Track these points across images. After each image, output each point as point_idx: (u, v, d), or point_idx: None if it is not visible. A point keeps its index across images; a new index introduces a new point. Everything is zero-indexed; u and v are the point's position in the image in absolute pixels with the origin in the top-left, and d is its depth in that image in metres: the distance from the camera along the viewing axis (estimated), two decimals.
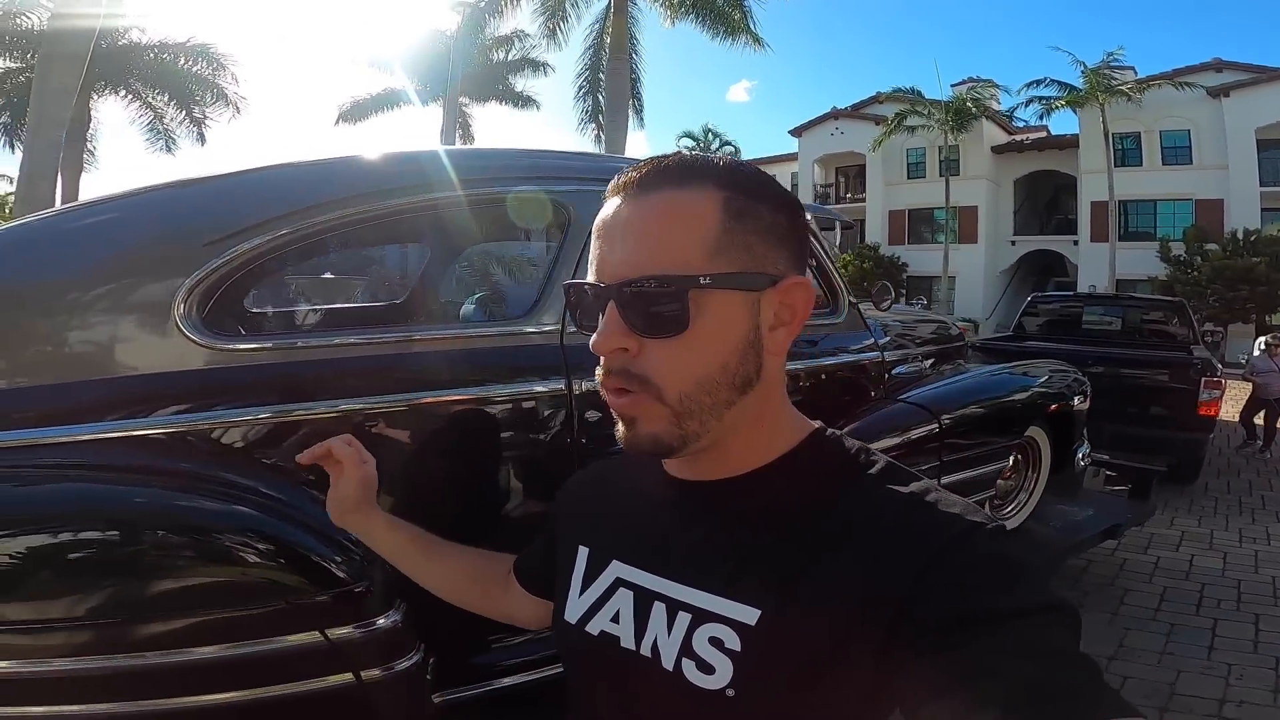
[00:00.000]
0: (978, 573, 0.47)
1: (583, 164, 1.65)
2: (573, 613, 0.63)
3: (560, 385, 1.43)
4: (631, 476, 0.66)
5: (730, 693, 0.50)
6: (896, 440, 1.99)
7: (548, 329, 1.46)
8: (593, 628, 0.60)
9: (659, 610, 0.56)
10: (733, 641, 0.51)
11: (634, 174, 0.55)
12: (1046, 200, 26.45)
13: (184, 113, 15.18)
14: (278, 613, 1.09)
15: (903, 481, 0.54)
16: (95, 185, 16.41)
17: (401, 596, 1.16)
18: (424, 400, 1.33)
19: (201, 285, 1.19)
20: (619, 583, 0.60)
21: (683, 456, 0.56)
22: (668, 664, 0.53)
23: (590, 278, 0.56)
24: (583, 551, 0.65)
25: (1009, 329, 8.09)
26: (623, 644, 0.57)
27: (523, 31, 15.71)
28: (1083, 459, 3.12)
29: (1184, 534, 4.33)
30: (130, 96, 15.10)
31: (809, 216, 1.90)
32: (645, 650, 0.55)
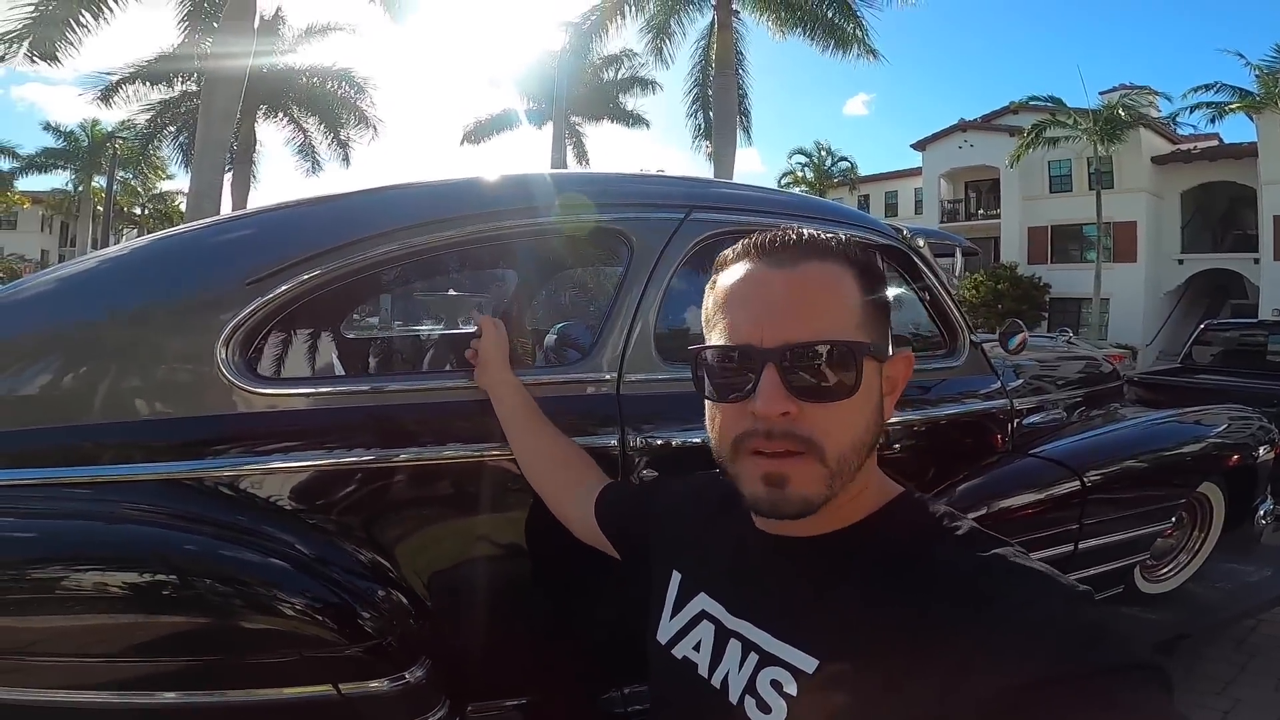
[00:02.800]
0: (1049, 636, 0.46)
1: (639, 188, 1.47)
2: (664, 634, 0.69)
3: (614, 441, 1.27)
4: (724, 508, 0.69)
5: None
6: (1025, 499, 1.68)
7: (605, 377, 1.30)
8: (678, 652, 0.66)
9: (734, 647, 0.60)
10: (790, 686, 0.54)
11: (774, 239, 0.60)
12: (1220, 214, 23.70)
13: (331, 134, 16.55)
14: (306, 662, 1.04)
15: (983, 546, 0.55)
16: (260, 202, 18.27)
17: (426, 653, 1.10)
18: (459, 456, 1.21)
19: (244, 326, 1.14)
20: (703, 614, 0.65)
21: (812, 513, 0.58)
22: (733, 698, 0.58)
23: (731, 341, 0.59)
24: (676, 576, 0.71)
25: (1175, 356, 7.13)
26: (699, 671, 0.62)
27: (631, 50, 15.96)
28: (1264, 516, 2.60)
29: None
30: (286, 119, 16.69)
31: (922, 242, 1.63)
32: (716, 682, 0.60)
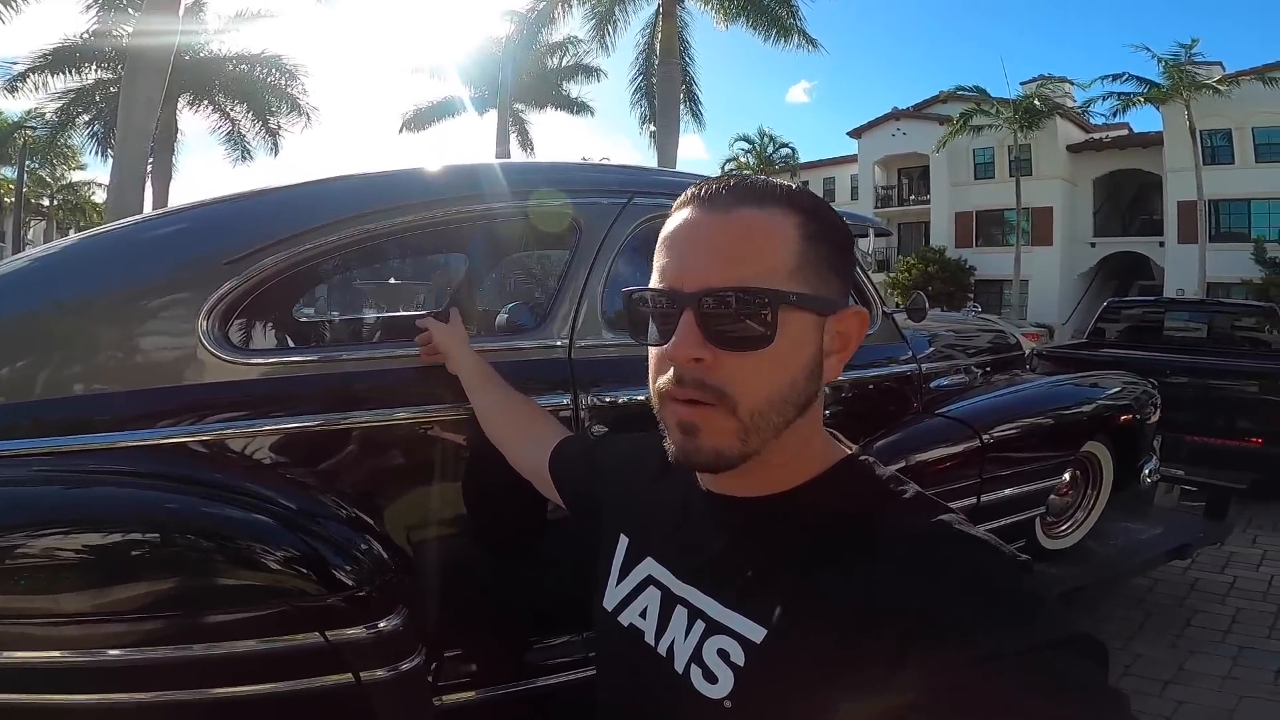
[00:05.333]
0: (993, 610, 0.46)
1: (588, 176, 1.63)
2: (610, 600, 0.66)
3: (566, 400, 1.41)
4: (667, 470, 0.67)
5: (728, 704, 0.52)
6: (931, 455, 1.90)
7: (556, 343, 1.44)
8: (624, 619, 0.64)
9: (680, 614, 0.58)
10: (738, 655, 0.52)
11: (709, 189, 0.57)
12: (1129, 200, 25.19)
13: (260, 123, 15.97)
14: (287, 613, 1.13)
15: (929, 512, 0.54)
16: (181, 194, 17.47)
17: (404, 602, 1.19)
18: (428, 415, 1.33)
19: (223, 302, 1.23)
20: (650, 580, 0.63)
21: (735, 469, 0.56)
22: (679, 666, 0.56)
23: (661, 284, 0.57)
24: (623, 541, 0.68)
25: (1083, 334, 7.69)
26: (646, 639, 0.60)
27: (575, 38, 15.91)
28: (1149, 475, 2.93)
29: (1266, 553, 4.00)
30: (211, 108, 16.01)
31: None
32: (662, 650, 0.58)
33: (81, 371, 1.23)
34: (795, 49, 12.56)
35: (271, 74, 15.24)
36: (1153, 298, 11.08)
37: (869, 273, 2.01)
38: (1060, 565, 2.45)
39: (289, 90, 15.49)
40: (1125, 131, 24.73)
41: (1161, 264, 22.53)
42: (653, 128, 13.76)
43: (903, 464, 1.81)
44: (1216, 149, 21.55)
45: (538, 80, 17.34)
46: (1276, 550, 4.05)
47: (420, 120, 18.94)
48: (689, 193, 0.59)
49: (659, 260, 0.58)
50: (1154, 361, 5.26)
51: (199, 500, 1.14)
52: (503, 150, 19.33)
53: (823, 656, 0.48)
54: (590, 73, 17.54)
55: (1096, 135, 25.35)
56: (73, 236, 1.43)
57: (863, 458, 0.61)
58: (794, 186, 0.59)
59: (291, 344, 1.68)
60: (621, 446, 0.83)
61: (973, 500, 1.98)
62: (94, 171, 27.68)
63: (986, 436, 1.99)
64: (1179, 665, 2.67)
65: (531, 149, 20.77)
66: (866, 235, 4.60)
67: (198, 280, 1.24)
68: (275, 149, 16.26)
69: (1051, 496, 2.41)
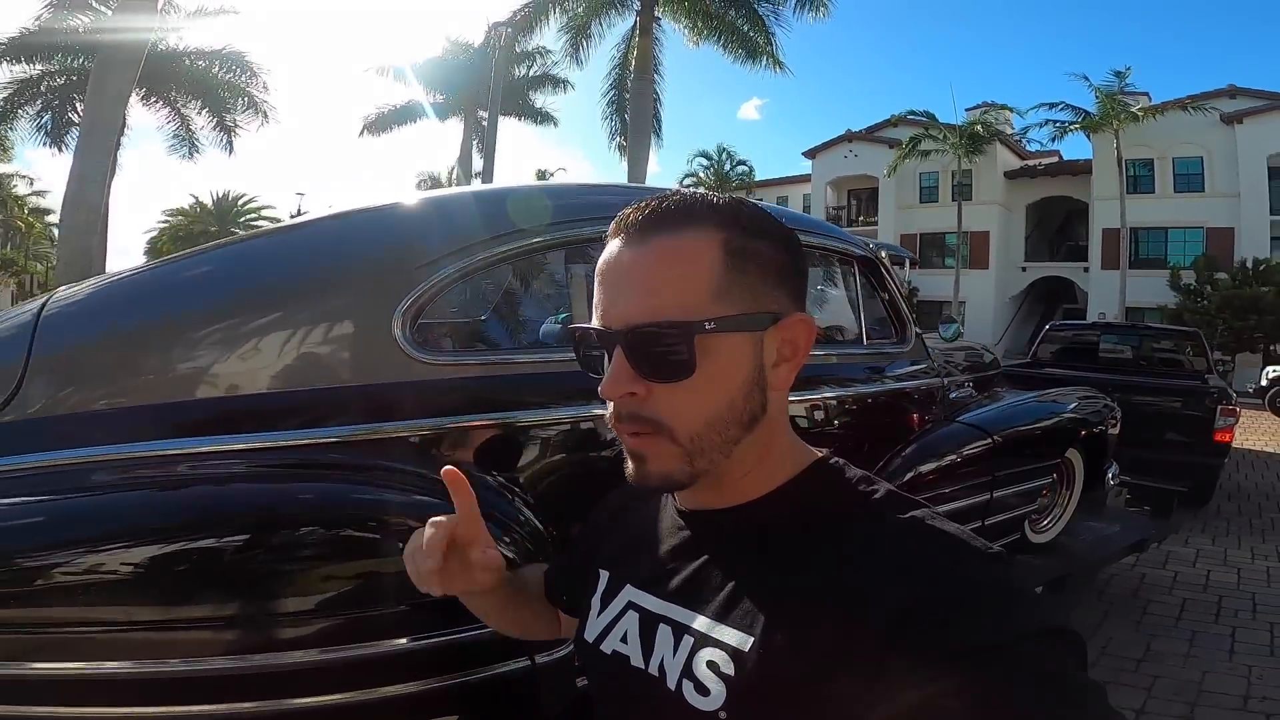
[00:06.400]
0: (971, 602, 0.47)
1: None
2: (591, 631, 0.65)
3: None
4: (646, 502, 0.68)
5: (722, 715, 0.51)
6: (955, 457, 2.19)
7: None
8: (606, 647, 0.63)
9: (664, 632, 0.58)
10: (727, 666, 0.52)
11: (633, 215, 0.56)
12: (1057, 226, 26.65)
13: (215, 120, 15.54)
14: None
15: (900, 509, 0.54)
16: (121, 189, 16.76)
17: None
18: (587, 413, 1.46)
19: (414, 305, 1.36)
20: (630, 605, 0.62)
21: (692, 486, 0.58)
22: (671, 684, 0.55)
23: (595, 322, 0.57)
24: (603, 575, 0.68)
25: (1017, 355, 8.25)
26: (632, 663, 0.59)
27: (544, 48, 16.04)
28: (1113, 479, 3.32)
29: (1199, 551, 4.51)
30: (162, 103, 15.49)
31: (884, 254, 2.09)
32: (653, 670, 0.57)
33: (277, 368, 1.32)
34: (761, 70, 12.91)
35: (231, 71, 14.86)
36: (1089, 321, 11.92)
37: (903, 295, 2.29)
38: (1043, 557, 2.79)
39: (248, 88, 15.13)
40: (1056, 159, 26.16)
41: (1085, 288, 23.97)
42: (622, 141, 13.98)
43: (937, 462, 2.09)
44: (1139, 178, 23.00)
45: (505, 89, 17.39)
46: (1207, 549, 4.58)
47: (381, 124, 18.72)
48: (614, 222, 0.58)
49: (595, 295, 0.58)
50: (1095, 380, 5.78)
51: (404, 491, 1.23)
52: (466, 155, 19.29)
53: (810, 659, 0.48)
54: (558, 83, 17.73)
55: (1031, 162, 26.76)
56: (259, 232, 1.53)
57: (832, 460, 0.61)
58: (719, 200, 0.57)
59: (471, 346, 1.79)
60: (608, 499, 0.79)
61: (986, 496, 2.28)
62: (18, 165, 26.17)
63: (998, 439, 2.30)
64: (1146, 646, 3.05)
65: (491, 156, 20.75)
66: (903, 265, 4.95)
67: (393, 283, 1.36)
68: (230, 147, 15.84)
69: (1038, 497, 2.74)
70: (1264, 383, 14.30)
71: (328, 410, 1.32)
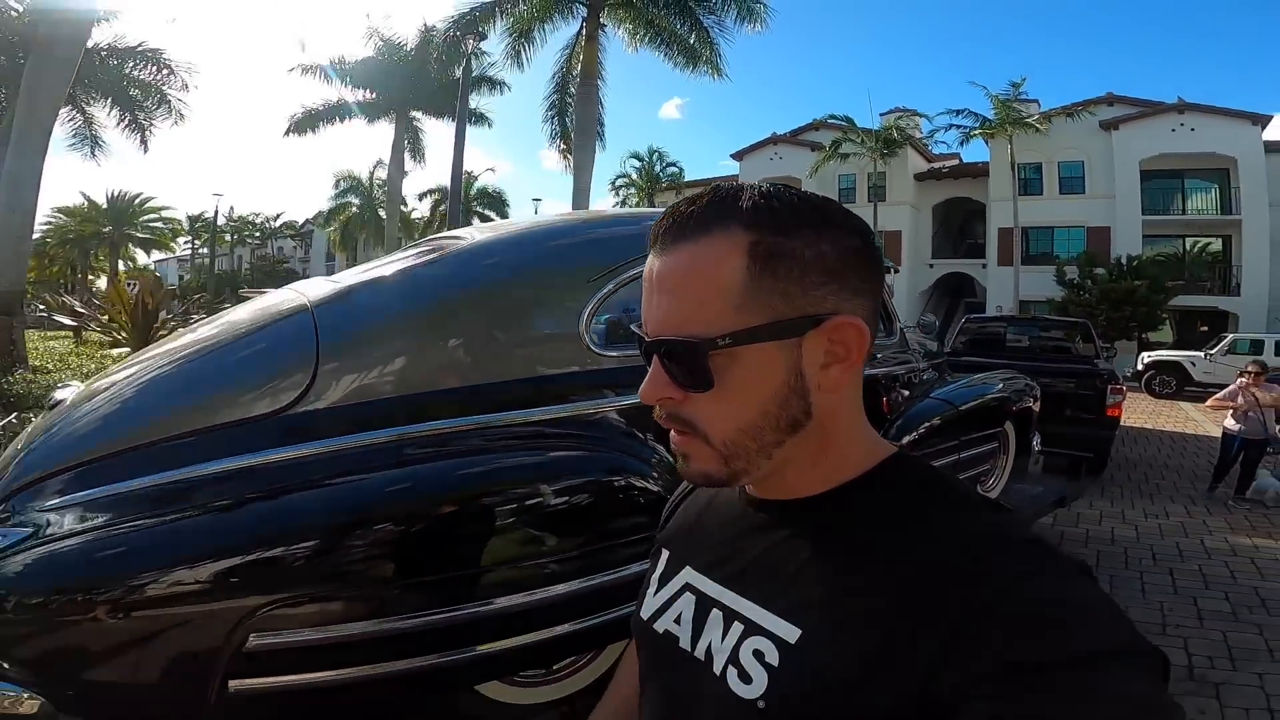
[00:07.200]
0: (1045, 614, 0.43)
1: None
2: (646, 609, 0.66)
3: None
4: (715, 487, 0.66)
5: (761, 704, 0.51)
6: (936, 423, 2.72)
7: None
8: (659, 626, 0.63)
9: (716, 617, 0.57)
10: (773, 656, 0.51)
11: (661, 224, 0.55)
12: (959, 225, 28.45)
13: (128, 118, 14.78)
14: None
15: (972, 513, 0.52)
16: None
17: None
18: None
19: (591, 308, 1.74)
20: (686, 587, 0.62)
21: (738, 485, 0.59)
22: (716, 669, 0.55)
23: (638, 330, 0.58)
24: (664, 554, 0.68)
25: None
26: (681, 644, 0.60)
27: (480, 49, 16.03)
28: (1037, 447, 4.00)
29: (1103, 512, 5.34)
30: (69, 104, 14.57)
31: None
32: (700, 653, 0.57)
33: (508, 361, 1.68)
34: (700, 75, 13.27)
35: (148, 69, 14.16)
36: (997, 315, 13.11)
37: (890, 294, 2.81)
38: None
39: (164, 86, 14.46)
40: (957, 162, 27.99)
41: (984, 283, 25.72)
42: (562, 145, 14.20)
43: (923, 429, 2.61)
44: (1029, 181, 24.84)
45: (439, 88, 17.27)
46: (1109, 510, 5.43)
47: (307, 123, 18.20)
48: (652, 227, 0.57)
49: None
50: (1009, 366, 6.59)
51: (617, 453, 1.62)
52: (398, 155, 18.98)
53: (856, 658, 0.47)
54: (495, 85, 17.73)
55: (937, 165, 28.48)
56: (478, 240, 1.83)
57: (908, 456, 0.59)
58: (750, 196, 0.53)
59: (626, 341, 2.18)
60: (675, 496, 0.78)
61: (956, 457, 2.83)
62: None
63: (962, 410, 2.85)
64: None
65: (422, 157, 20.52)
66: (889, 273, 5.54)
67: (578, 291, 1.73)
68: (145, 145, 15.06)
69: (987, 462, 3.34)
70: (1139, 367, 16.15)
71: (534, 395, 1.67)
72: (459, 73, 17.31)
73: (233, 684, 1.23)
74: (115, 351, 8.66)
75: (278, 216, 49.33)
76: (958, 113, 23.33)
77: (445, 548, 1.39)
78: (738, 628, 0.55)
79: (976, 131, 23.44)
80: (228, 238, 45.69)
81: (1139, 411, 11.83)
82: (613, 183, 31.71)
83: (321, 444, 1.39)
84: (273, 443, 1.37)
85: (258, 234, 49.72)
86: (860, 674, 0.46)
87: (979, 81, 28.31)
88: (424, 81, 16.99)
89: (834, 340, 0.53)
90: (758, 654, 0.52)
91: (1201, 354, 15.96)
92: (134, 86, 14.45)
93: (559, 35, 13.90)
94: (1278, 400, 5.95)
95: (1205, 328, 21.84)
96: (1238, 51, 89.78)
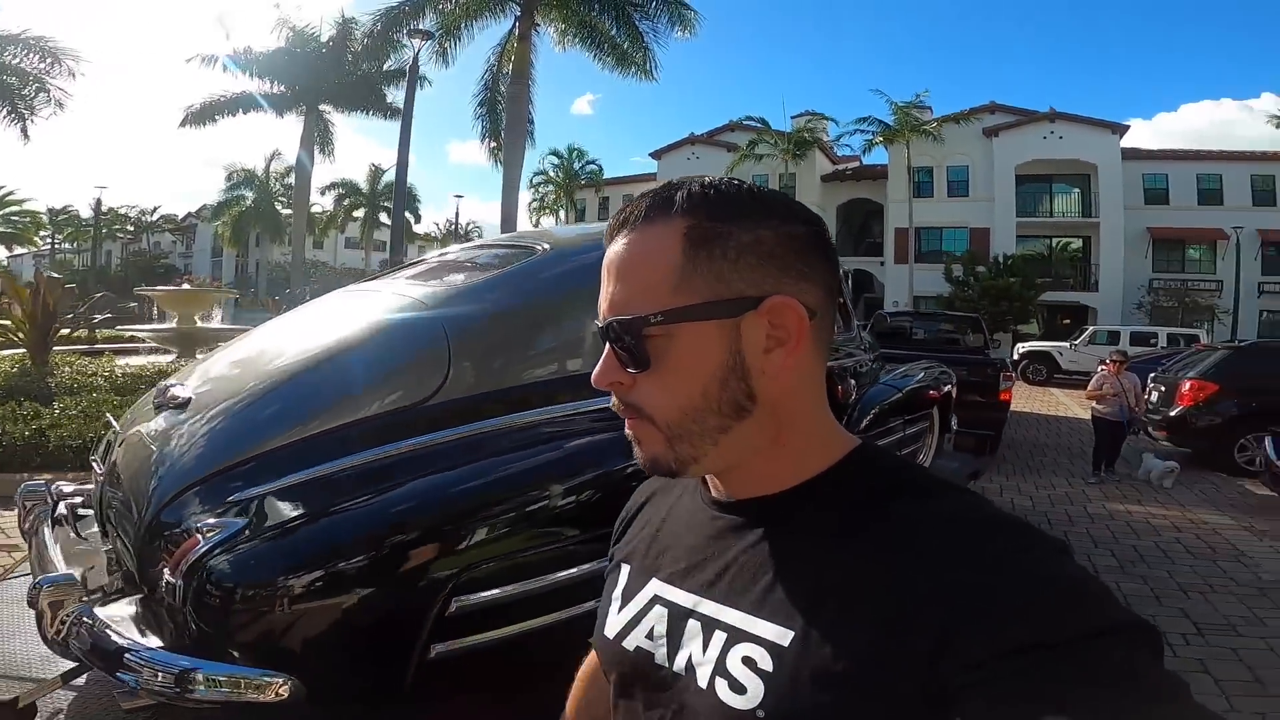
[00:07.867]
0: (1040, 593, 0.43)
1: None
2: (611, 628, 0.63)
3: None
4: (676, 494, 0.67)
5: (760, 714, 0.49)
6: (885, 406, 3.21)
7: None
8: (629, 643, 0.60)
9: (693, 627, 0.55)
10: (765, 662, 0.50)
11: (617, 215, 0.57)
12: (860, 225, 30.15)
13: (5, 108, 13.61)
14: None
15: (947, 498, 0.52)
16: None
17: None
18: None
19: None
20: (655, 600, 0.60)
21: (691, 475, 0.57)
22: (702, 682, 0.53)
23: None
24: (624, 569, 0.66)
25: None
26: (656, 660, 0.57)
27: (399, 42, 15.73)
28: (955, 426, 4.65)
29: (1001, 486, 6.14)
30: None
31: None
32: (679, 667, 0.55)
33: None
34: (630, 77, 13.52)
35: (30, 57, 13.09)
36: (904, 310, 14.28)
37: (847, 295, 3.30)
38: None
39: (45, 75, 13.41)
40: (858, 164, 29.63)
41: (882, 280, 27.47)
42: (493, 144, 14.15)
43: (876, 410, 3.10)
44: (922, 184, 26.78)
45: (352, 82, 16.75)
46: (1006, 484, 6.26)
47: (205, 115, 17.21)
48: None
49: None
50: (915, 356, 7.37)
51: None
52: (308, 149, 18.26)
53: (856, 653, 0.46)
54: (420, 80, 17.29)
55: (840, 167, 30.08)
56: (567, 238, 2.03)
57: (871, 447, 0.59)
58: (694, 188, 0.55)
59: None
60: (633, 496, 0.76)
61: (901, 434, 3.36)
62: None
63: (904, 394, 3.39)
64: None
65: (331, 150, 19.81)
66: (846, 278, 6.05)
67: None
68: (25, 135, 13.89)
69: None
70: (1016, 357, 17.94)
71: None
72: (385, 67, 16.98)
73: (435, 648, 1.37)
74: (3, 354, 7.96)
75: (154, 210, 46.51)
76: (864, 120, 25.05)
77: (609, 504, 1.66)
78: (720, 636, 0.53)
79: (878, 140, 25.11)
80: (92, 233, 42.01)
81: (1018, 398, 13.20)
82: (531, 180, 31.65)
83: (466, 428, 1.62)
84: (423, 430, 1.57)
85: (130, 228, 46.32)
86: (861, 669, 0.46)
87: (881, 89, 30.35)
88: (338, 74, 16.45)
89: (774, 324, 0.53)
90: (748, 661, 0.50)
91: (1068, 344, 17.94)
92: (12, 75, 13.31)
93: (487, 34, 13.89)
94: (1136, 387, 6.98)
95: (1068, 321, 24.30)
96: (1109, 58, 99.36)
